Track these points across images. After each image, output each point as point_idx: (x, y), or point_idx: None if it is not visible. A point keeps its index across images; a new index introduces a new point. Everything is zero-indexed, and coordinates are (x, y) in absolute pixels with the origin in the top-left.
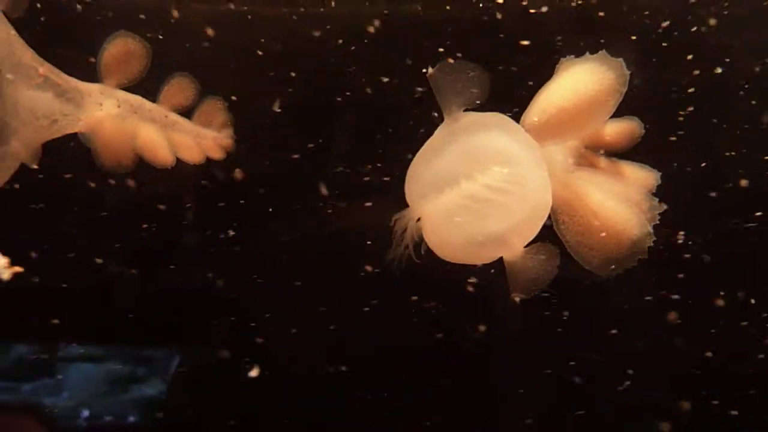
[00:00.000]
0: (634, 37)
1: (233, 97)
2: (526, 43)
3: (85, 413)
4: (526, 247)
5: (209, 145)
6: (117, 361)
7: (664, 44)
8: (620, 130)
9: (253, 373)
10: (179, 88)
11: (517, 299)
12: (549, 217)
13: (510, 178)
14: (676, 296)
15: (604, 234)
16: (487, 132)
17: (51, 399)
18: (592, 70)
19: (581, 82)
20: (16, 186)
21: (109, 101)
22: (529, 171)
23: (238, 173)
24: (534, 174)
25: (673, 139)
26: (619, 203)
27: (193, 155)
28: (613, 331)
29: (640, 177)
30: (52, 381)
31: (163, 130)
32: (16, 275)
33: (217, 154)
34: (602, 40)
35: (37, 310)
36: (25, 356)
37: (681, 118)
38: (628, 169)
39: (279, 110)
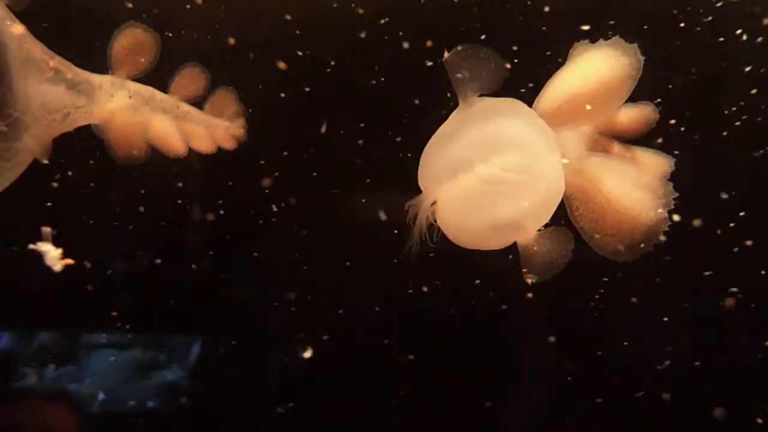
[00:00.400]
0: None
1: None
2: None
3: (108, 398)
4: (539, 231)
5: (221, 135)
6: (139, 348)
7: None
8: (634, 115)
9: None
10: (190, 78)
11: (530, 281)
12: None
13: (524, 163)
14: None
15: (618, 220)
16: (502, 117)
17: (74, 385)
18: (606, 56)
19: (595, 67)
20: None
21: (121, 92)
22: (543, 156)
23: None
24: (548, 159)
25: None
26: (634, 188)
27: (205, 145)
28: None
29: (655, 163)
30: (75, 368)
31: (175, 121)
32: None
33: (229, 144)
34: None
35: (60, 298)
36: (48, 343)
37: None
38: (642, 155)
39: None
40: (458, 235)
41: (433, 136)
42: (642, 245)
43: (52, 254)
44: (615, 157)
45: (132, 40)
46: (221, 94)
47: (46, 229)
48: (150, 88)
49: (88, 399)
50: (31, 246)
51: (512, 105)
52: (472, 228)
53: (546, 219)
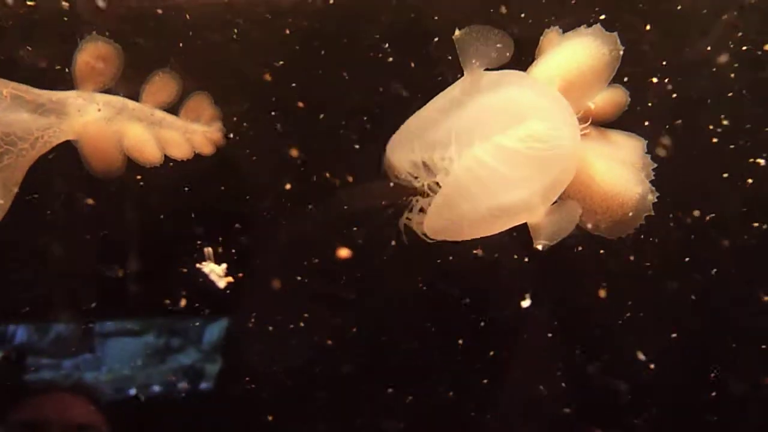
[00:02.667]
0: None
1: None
2: None
3: (126, 385)
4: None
5: (199, 140)
6: (151, 333)
7: None
8: (607, 99)
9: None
10: (161, 84)
11: (540, 247)
12: None
13: (546, 132)
14: None
15: (605, 197)
16: (517, 87)
17: (92, 373)
18: (586, 44)
19: (575, 55)
20: None
21: (89, 106)
22: (564, 125)
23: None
24: (567, 128)
25: None
26: (615, 164)
27: (182, 151)
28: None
29: (628, 143)
30: (92, 356)
31: (150, 128)
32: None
33: (207, 149)
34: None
35: (71, 289)
36: (64, 334)
37: None
38: (616, 137)
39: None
40: (459, 221)
41: (423, 109)
42: (634, 218)
43: (216, 272)
44: (593, 139)
45: (94, 53)
46: (196, 99)
47: (208, 250)
48: (121, 98)
49: (107, 387)
50: (197, 265)
51: (522, 76)
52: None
53: (559, 192)
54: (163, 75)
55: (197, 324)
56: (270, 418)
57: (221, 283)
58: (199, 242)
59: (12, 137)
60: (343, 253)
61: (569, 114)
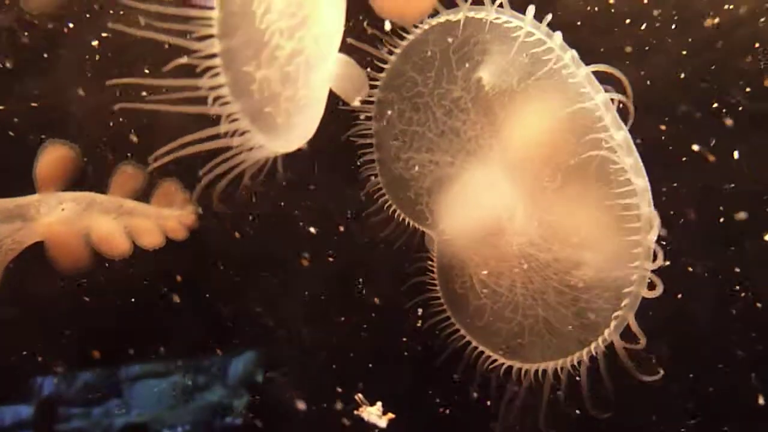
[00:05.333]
0: None
1: None
2: None
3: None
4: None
5: (172, 226)
6: (177, 373)
7: None
8: None
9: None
10: (127, 175)
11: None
12: None
13: None
14: None
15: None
16: None
17: (123, 418)
18: None
19: None
20: None
21: (53, 206)
22: None
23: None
24: None
25: None
26: None
27: (154, 239)
28: None
29: None
30: (120, 400)
31: (120, 220)
32: None
33: (180, 234)
34: None
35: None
36: (91, 381)
37: None
38: None
39: None
40: None
41: None
42: None
43: (374, 413)
44: None
45: (54, 155)
46: (166, 185)
47: (359, 396)
48: (88, 194)
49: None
50: (356, 412)
51: None
52: None
53: None
54: (126, 166)
55: (221, 360)
56: None
57: (382, 423)
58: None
59: None
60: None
61: None
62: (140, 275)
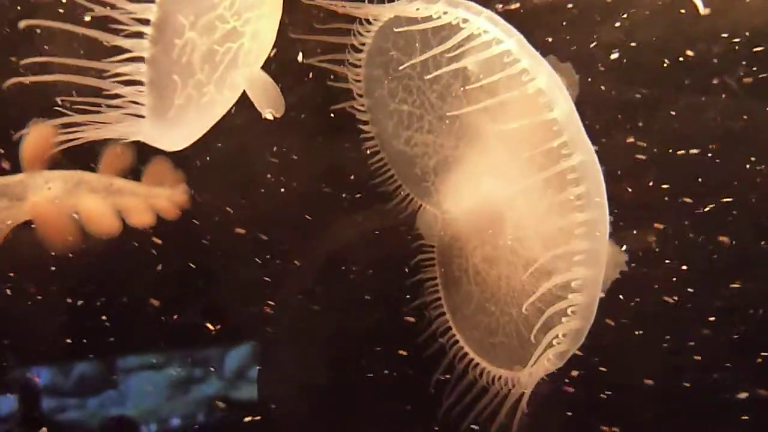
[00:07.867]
0: None
1: None
2: None
3: (152, 418)
4: None
5: (163, 205)
6: (173, 365)
7: None
8: None
9: None
10: (115, 153)
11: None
12: None
13: None
14: None
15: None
16: None
17: (118, 409)
18: None
19: None
20: None
21: (39, 184)
22: None
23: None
24: None
25: None
26: None
27: (143, 218)
28: None
29: None
30: (116, 392)
31: (109, 198)
32: None
33: (172, 213)
34: None
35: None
36: (87, 373)
37: None
38: None
39: None
40: None
41: None
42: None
43: None
44: None
45: (38, 135)
46: (157, 163)
47: None
48: (77, 172)
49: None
50: None
51: None
52: None
53: None
54: (114, 145)
55: (218, 353)
56: None
57: None
58: None
59: None
60: None
61: None
62: (133, 264)
